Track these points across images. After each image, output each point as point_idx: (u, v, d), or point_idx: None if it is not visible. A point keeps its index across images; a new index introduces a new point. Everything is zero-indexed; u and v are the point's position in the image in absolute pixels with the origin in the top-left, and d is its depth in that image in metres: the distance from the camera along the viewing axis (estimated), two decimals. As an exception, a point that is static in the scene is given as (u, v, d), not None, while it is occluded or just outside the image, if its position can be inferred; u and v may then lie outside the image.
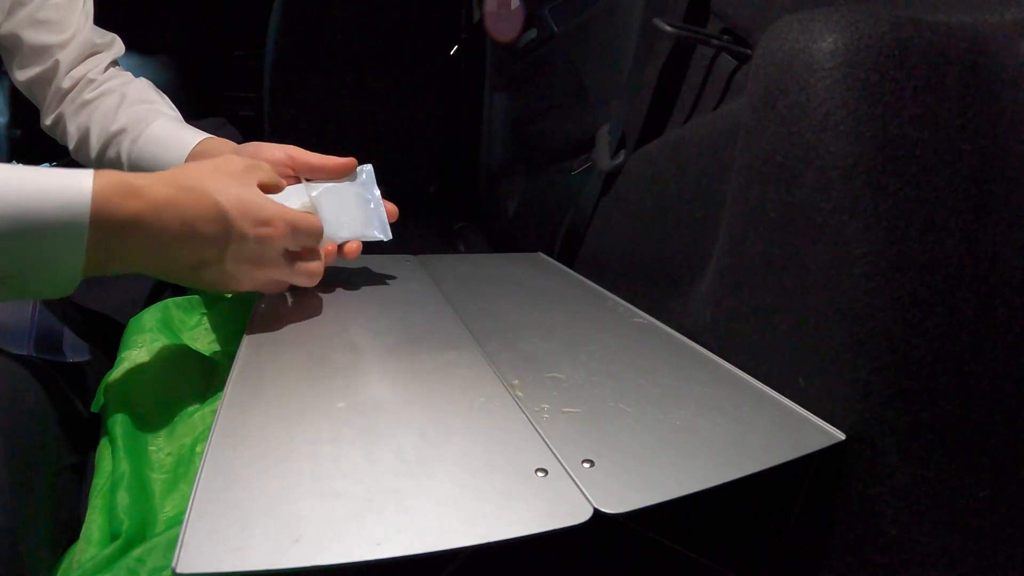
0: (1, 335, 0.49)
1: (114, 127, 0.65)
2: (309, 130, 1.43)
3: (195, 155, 0.61)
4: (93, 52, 0.69)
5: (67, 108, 0.67)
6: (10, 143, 1.54)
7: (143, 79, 0.71)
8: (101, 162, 0.67)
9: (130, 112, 0.65)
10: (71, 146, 0.68)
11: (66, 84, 0.67)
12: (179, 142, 0.63)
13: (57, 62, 0.66)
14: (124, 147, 0.64)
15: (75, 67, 0.67)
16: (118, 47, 0.72)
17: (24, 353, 0.51)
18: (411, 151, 1.51)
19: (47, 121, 0.69)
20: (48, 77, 0.67)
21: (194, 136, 0.63)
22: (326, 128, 1.44)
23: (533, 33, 1.05)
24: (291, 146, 0.60)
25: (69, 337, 0.57)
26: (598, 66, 0.88)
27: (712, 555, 0.41)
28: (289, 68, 1.39)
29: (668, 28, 0.60)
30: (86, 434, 0.54)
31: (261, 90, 1.41)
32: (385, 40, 1.43)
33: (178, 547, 0.25)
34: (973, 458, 0.36)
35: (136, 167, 0.64)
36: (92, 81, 0.68)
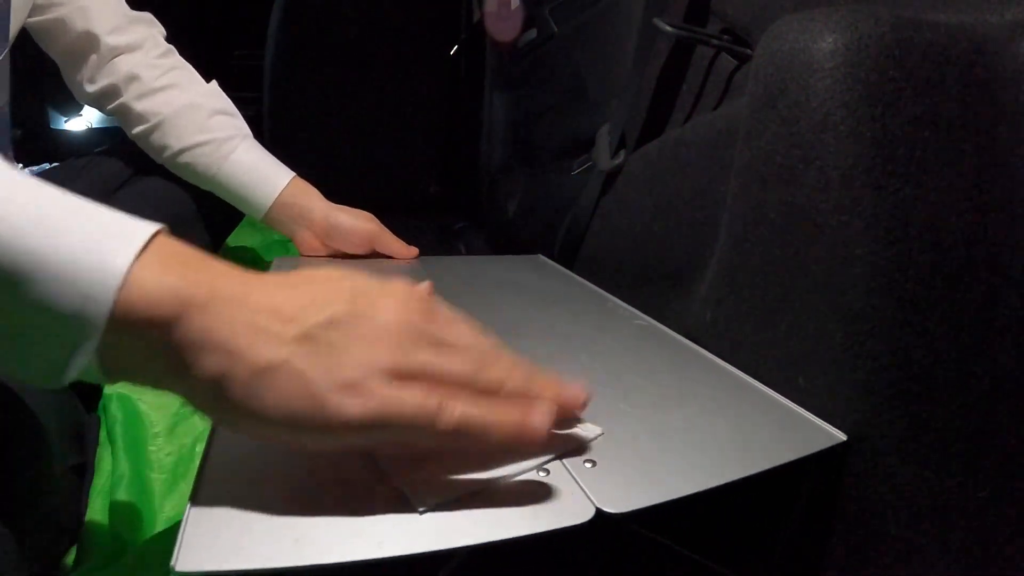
0: None
1: (199, 137, 0.66)
2: (309, 130, 1.43)
3: (281, 203, 0.64)
4: (130, 18, 0.69)
5: (127, 88, 0.67)
6: (10, 142, 1.54)
7: (214, 83, 0.73)
8: (174, 164, 0.68)
9: (214, 123, 0.67)
10: (133, 131, 0.69)
11: (111, 41, 0.67)
12: (266, 180, 0.65)
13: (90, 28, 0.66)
14: (205, 161, 0.65)
15: (116, 33, 0.68)
16: (156, 24, 0.73)
17: None
18: (411, 151, 1.51)
19: (90, 88, 0.69)
20: (83, 38, 0.67)
21: (282, 176, 0.66)
22: (326, 128, 1.44)
23: (533, 33, 1.05)
24: (373, 219, 0.65)
25: None
26: (598, 66, 0.88)
27: (713, 556, 0.41)
28: (289, 68, 1.39)
29: (668, 28, 0.60)
30: (87, 435, 0.54)
31: (261, 90, 1.41)
32: (385, 40, 1.43)
33: (177, 546, 0.25)
34: (973, 458, 0.36)
35: (215, 186, 0.66)
36: (155, 66, 0.68)
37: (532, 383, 0.28)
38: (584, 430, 0.32)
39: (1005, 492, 0.36)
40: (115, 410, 0.53)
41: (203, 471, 0.30)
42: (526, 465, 0.29)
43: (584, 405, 0.30)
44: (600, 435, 0.32)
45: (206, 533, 0.26)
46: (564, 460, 0.32)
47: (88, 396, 0.57)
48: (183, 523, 0.26)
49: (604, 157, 0.73)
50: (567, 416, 0.31)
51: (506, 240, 1.16)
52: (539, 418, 0.26)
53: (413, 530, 0.27)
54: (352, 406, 0.25)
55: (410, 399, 0.25)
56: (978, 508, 0.36)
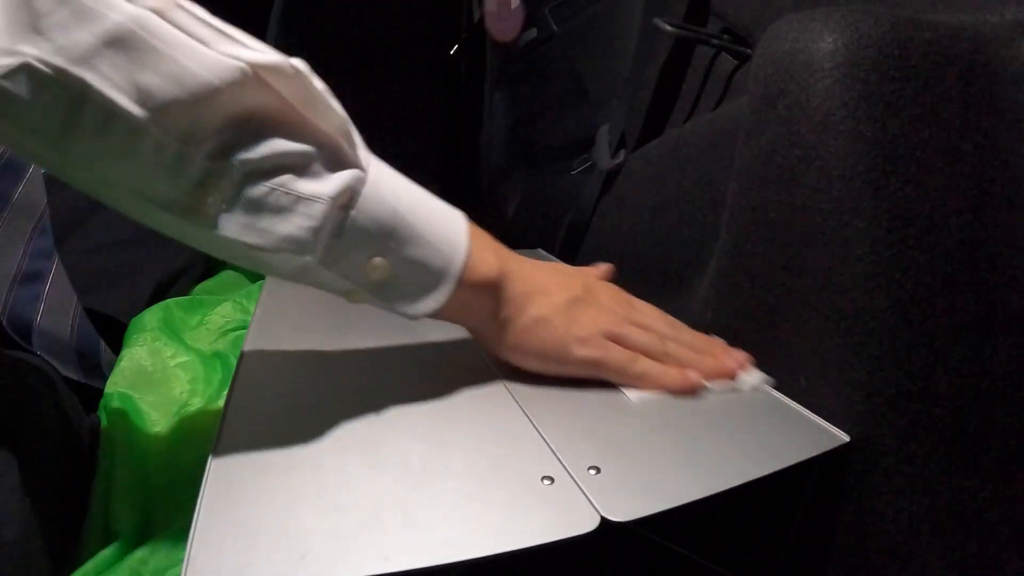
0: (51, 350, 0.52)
1: None
2: (309, 130, 1.43)
3: None
4: None
5: None
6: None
7: None
8: None
9: None
10: None
11: None
12: None
13: None
14: None
15: None
16: None
17: (73, 377, 0.55)
18: (411, 151, 1.51)
19: None
20: None
21: None
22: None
23: (533, 33, 1.05)
24: None
25: (106, 354, 0.59)
26: (598, 66, 0.88)
27: (720, 560, 0.41)
28: (289, 68, 1.39)
29: (668, 28, 0.60)
30: (87, 435, 0.54)
31: (261, 90, 1.41)
32: (385, 40, 1.43)
33: (184, 566, 0.25)
34: (973, 458, 0.36)
35: None
36: None
37: (694, 350, 0.41)
38: (748, 377, 0.41)
39: (1005, 492, 0.36)
40: (115, 410, 0.53)
41: (207, 486, 0.30)
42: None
43: (734, 371, 0.41)
44: (767, 381, 0.41)
45: (213, 550, 0.26)
46: (568, 468, 0.32)
47: (88, 396, 0.57)
48: (189, 540, 0.26)
49: (604, 157, 0.73)
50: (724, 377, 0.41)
51: (506, 240, 1.16)
52: (694, 378, 0.39)
53: (420, 543, 0.27)
54: (582, 351, 0.39)
55: (615, 353, 0.39)
56: (978, 508, 0.36)
